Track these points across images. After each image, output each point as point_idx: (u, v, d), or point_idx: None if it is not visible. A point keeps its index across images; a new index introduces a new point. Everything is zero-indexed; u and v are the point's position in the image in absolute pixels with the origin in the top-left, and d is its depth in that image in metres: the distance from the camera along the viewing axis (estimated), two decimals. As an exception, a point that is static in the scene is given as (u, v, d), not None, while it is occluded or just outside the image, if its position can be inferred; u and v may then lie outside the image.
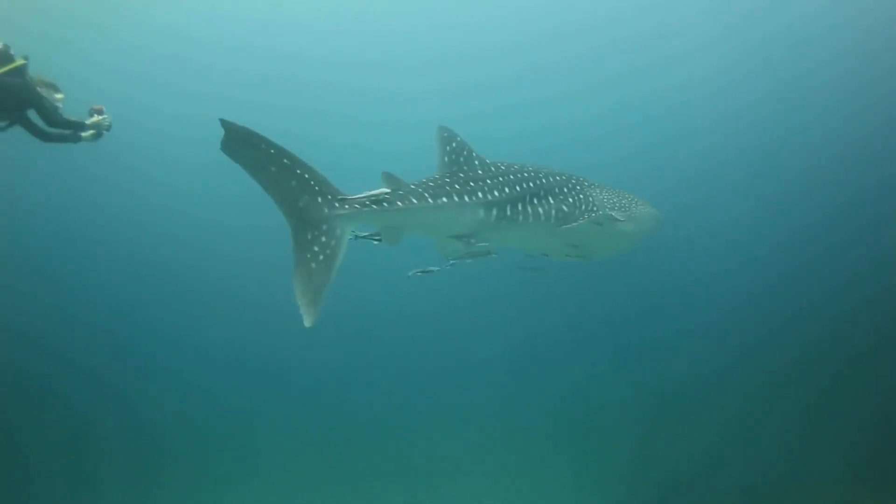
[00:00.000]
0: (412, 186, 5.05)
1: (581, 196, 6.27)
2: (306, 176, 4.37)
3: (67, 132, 6.83)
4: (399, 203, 4.74)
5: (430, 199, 4.98)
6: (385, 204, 4.66)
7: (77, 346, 16.13)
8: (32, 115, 6.68)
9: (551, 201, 6.01)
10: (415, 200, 4.87)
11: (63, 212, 19.50)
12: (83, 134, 6.94)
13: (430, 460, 12.45)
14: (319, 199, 4.38)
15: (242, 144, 4.24)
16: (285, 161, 4.32)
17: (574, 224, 5.95)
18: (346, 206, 4.43)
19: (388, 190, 4.77)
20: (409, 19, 21.09)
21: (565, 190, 6.21)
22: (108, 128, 7.11)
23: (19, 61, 6.39)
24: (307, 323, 4.08)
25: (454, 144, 5.77)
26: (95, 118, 6.99)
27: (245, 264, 19.28)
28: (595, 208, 6.16)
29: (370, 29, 21.26)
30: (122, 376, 15.62)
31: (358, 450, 13.07)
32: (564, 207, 6.06)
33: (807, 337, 14.51)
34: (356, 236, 4.78)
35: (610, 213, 6.08)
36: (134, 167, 18.85)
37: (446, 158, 5.71)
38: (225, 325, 17.74)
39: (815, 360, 13.58)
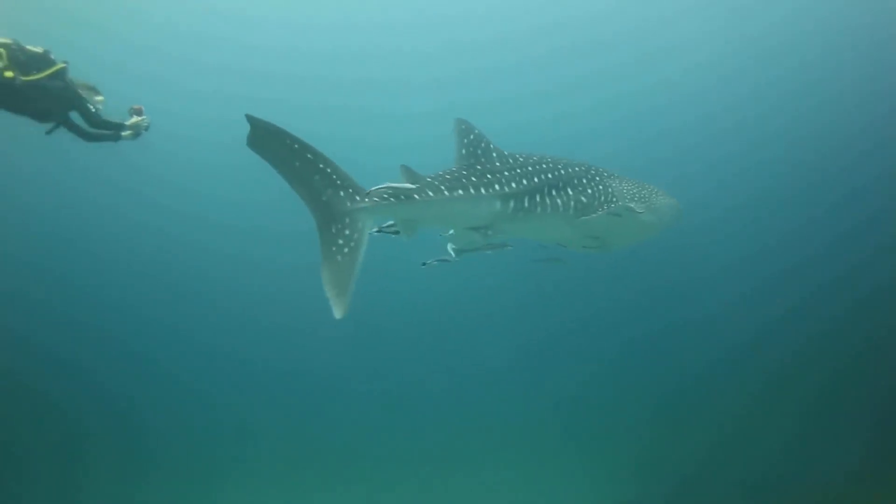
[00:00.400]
0: (428, 179, 5.11)
1: (600, 187, 6.29)
2: (328, 170, 4.49)
3: (108, 132, 7.08)
4: (416, 196, 4.83)
5: (445, 192, 5.05)
6: (402, 197, 4.76)
7: (69, 346, 15.85)
8: (75, 116, 6.93)
9: (570, 192, 6.04)
10: (431, 193, 4.94)
11: (58, 211, 19.18)
12: (123, 133, 7.19)
13: (442, 455, 12.41)
14: (342, 193, 4.49)
15: (267, 139, 4.34)
16: (308, 156, 4.43)
17: (593, 215, 5.97)
18: (367, 200, 4.54)
19: (406, 183, 4.87)
20: (416, 11, 21.02)
21: (584, 181, 6.23)
22: (147, 128, 7.37)
23: (60, 65, 6.61)
24: (337, 315, 4.14)
25: (472, 137, 5.80)
26: (135, 119, 7.26)
27: (243, 264, 19.16)
28: (614, 199, 6.19)
29: (375, 21, 21.09)
30: (116, 378, 15.35)
31: (367, 444, 13.01)
32: (583, 198, 6.08)
33: (808, 335, 14.45)
34: (380, 229, 4.90)
35: (628, 204, 6.11)
36: (130, 163, 18.47)
37: (464, 151, 5.75)
38: (222, 326, 17.56)
39: (818, 358, 13.55)
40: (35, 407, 13.66)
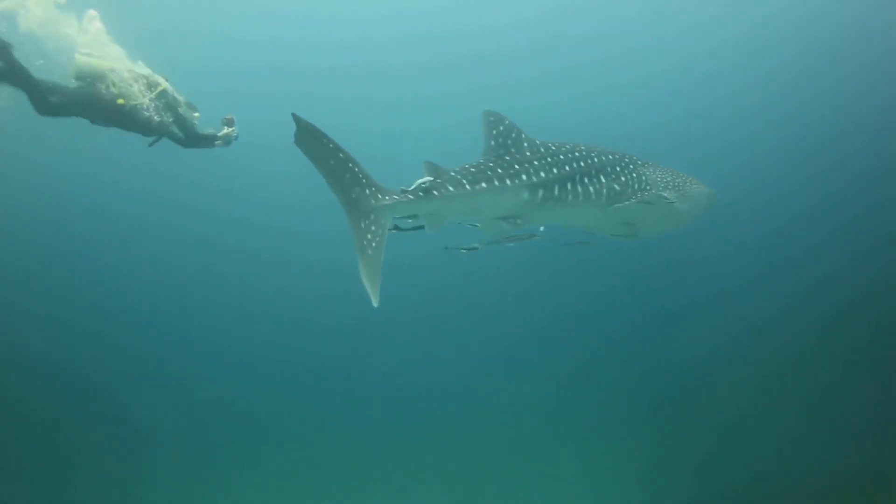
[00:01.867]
0: (452, 174, 5.23)
1: (634, 175, 6.28)
2: (356, 169, 4.73)
3: (203, 142, 7.86)
4: (435, 192, 5.02)
5: (467, 186, 5.19)
6: (421, 193, 4.97)
7: (59, 346, 15.63)
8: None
9: (602, 180, 6.05)
10: (451, 188, 5.10)
11: (55, 209, 19.08)
12: (216, 142, 7.96)
13: (442, 460, 12.27)
14: (367, 192, 4.75)
15: (309, 138, 4.59)
16: (340, 155, 4.68)
17: (625, 203, 5.98)
18: (387, 198, 4.80)
19: (429, 178, 5.07)
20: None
21: (618, 169, 6.22)
22: (236, 137, 8.08)
23: (162, 86, 7.30)
24: (375, 303, 4.42)
25: (501, 128, 5.84)
26: (226, 130, 8.00)
27: (259, 262, 19.16)
28: (647, 187, 6.18)
29: (379, 10, 20.89)
30: (111, 375, 15.11)
31: (360, 447, 12.89)
32: (616, 186, 6.09)
33: (809, 332, 13.81)
34: (413, 227, 5.14)
35: (661, 193, 6.08)
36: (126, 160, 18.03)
37: (493, 142, 5.81)
38: (224, 323, 17.48)
39: (820, 356, 13.01)
40: (41, 407, 13.49)
